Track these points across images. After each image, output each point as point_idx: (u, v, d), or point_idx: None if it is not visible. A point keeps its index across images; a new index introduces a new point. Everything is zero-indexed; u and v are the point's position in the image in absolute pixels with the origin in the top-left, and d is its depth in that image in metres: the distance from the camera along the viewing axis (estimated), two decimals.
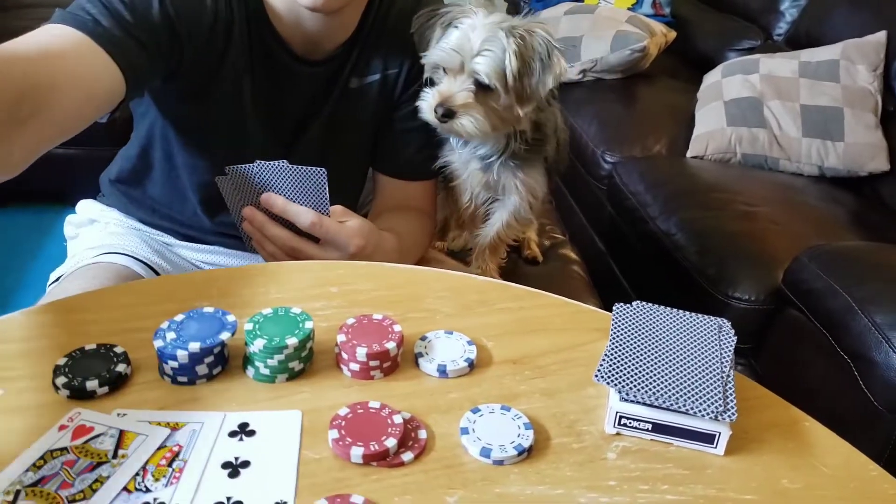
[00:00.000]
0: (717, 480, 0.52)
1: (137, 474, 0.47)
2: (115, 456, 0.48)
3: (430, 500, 0.48)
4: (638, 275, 1.70)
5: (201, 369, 0.56)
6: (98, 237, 0.95)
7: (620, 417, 0.54)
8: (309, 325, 0.58)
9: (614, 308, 0.64)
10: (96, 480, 0.47)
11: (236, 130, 0.87)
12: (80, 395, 0.53)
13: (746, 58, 2.02)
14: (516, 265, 1.19)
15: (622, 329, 0.61)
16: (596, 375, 0.55)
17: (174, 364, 0.55)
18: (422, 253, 0.99)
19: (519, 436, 0.53)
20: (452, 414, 0.55)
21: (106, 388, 0.54)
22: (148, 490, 0.46)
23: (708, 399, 0.53)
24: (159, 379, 0.56)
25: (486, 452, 0.51)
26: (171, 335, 0.56)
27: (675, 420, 0.53)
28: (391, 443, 0.50)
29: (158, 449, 0.49)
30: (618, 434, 0.55)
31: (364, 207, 1.07)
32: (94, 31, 0.69)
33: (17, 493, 0.45)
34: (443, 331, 0.63)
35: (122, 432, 0.50)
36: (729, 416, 0.52)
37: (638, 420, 0.54)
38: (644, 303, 0.64)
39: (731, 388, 0.55)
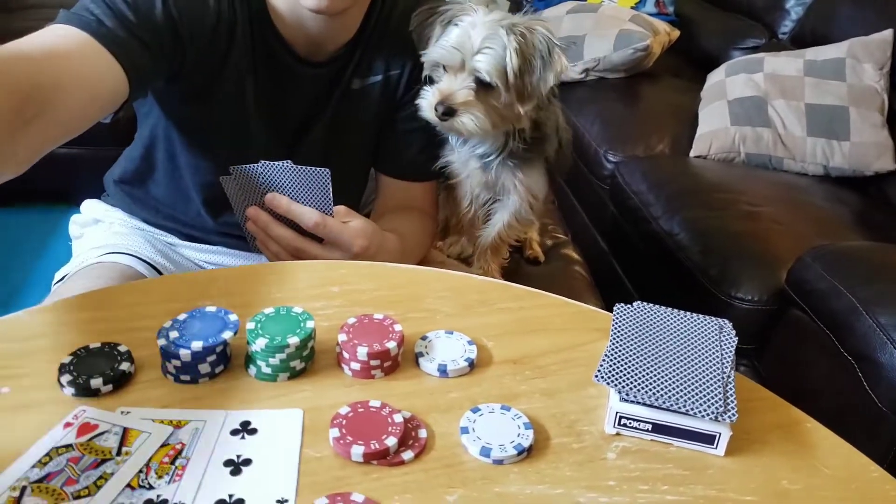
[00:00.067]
0: (718, 481, 0.52)
1: (141, 471, 0.48)
2: (118, 453, 0.49)
3: (429, 498, 0.48)
4: (640, 275, 1.70)
5: (204, 368, 0.56)
6: (102, 237, 0.95)
7: (620, 418, 0.54)
8: (310, 324, 0.58)
9: (615, 308, 0.64)
10: (101, 477, 0.47)
11: (239, 131, 0.87)
12: (84, 392, 0.54)
13: (751, 56, 2.01)
14: (518, 265, 1.19)
15: (623, 329, 0.61)
16: (596, 376, 0.55)
17: (177, 363, 0.55)
18: (424, 253, 0.99)
19: (519, 435, 0.53)
20: (452, 413, 0.55)
21: (110, 387, 0.54)
22: (151, 487, 0.47)
23: (708, 400, 0.53)
24: (162, 377, 0.57)
25: (485, 452, 0.51)
26: (174, 334, 0.56)
27: (676, 420, 0.54)
28: (391, 442, 0.51)
29: (161, 446, 0.50)
30: (618, 434, 0.55)
31: (366, 208, 1.07)
32: (97, 31, 0.69)
33: (24, 489, 0.46)
34: (443, 331, 0.63)
35: (125, 430, 0.51)
36: (729, 416, 0.52)
37: (638, 420, 0.54)
38: (645, 303, 0.64)
39: (731, 389, 0.55)
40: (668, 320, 0.62)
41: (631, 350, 0.58)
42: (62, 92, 0.64)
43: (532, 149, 0.95)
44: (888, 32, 1.83)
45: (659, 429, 0.54)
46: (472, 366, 0.60)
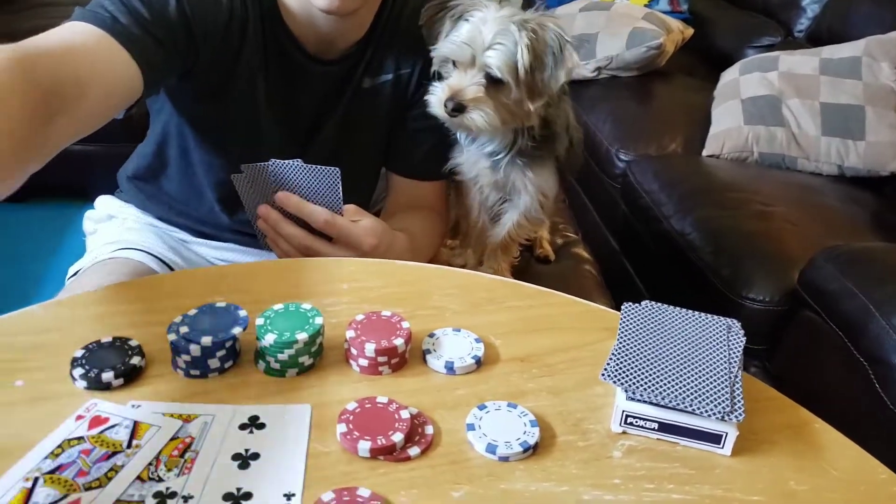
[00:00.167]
0: (724, 481, 0.52)
1: (151, 464, 0.48)
2: (129, 446, 0.50)
3: (435, 494, 0.48)
4: (652, 274, 1.70)
5: (213, 363, 0.57)
6: (116, 233, 0.97)
7: (627, 416, 0.54)
8: (319, 320, 0.59)
9: (623, 307, 0.64)
10: (111, 469, 0.48)
11: (251, 129, 0.88)
12: (96, 386, 0.55)
13: (765, 55, 2.00)
14: (528, 264, 1.19)
15: (630, 328, 0.61)
16: (603, 374, 0.55)
17: (187, 357, 0.56)
18: (434, 252, 0.99)
19: (525, 433, 0.53)
20: (459, 410, 0.55)
21: (121, 380, 0.55)
22: (161, 479, 0.47)
23: (715, 399, 0.53)
24: (172, 372, 0.57)
25: (491, 449, 0.52)
26: (184, 329, 0.57)
27: (682, 420, 0.54)
28: (398, 437, 0.51)
29: (171, 440, 0.50)
30: (624, 433, 0.55)
31: (377, 206, 1.07)
32: (112, 28, 0.70)
33: (36, 479, 0.47)
34: (451, 328, 0.64)
35: (136, 423, 0.52)
36: (736, 416, 0.52)
37: (644, 419, 0.54)
38: (653, 302, 0.64)
39: (738, 389, 0.55)
40: (676, 320, 0.62)
41: (638, 349, 0.58)
42: (82, 88, 0.65)
43: (542, 147, 0.94)
44: None
45: (665, 428, 0.54)
46: (480, 363, 0.61)
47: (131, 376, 0.56)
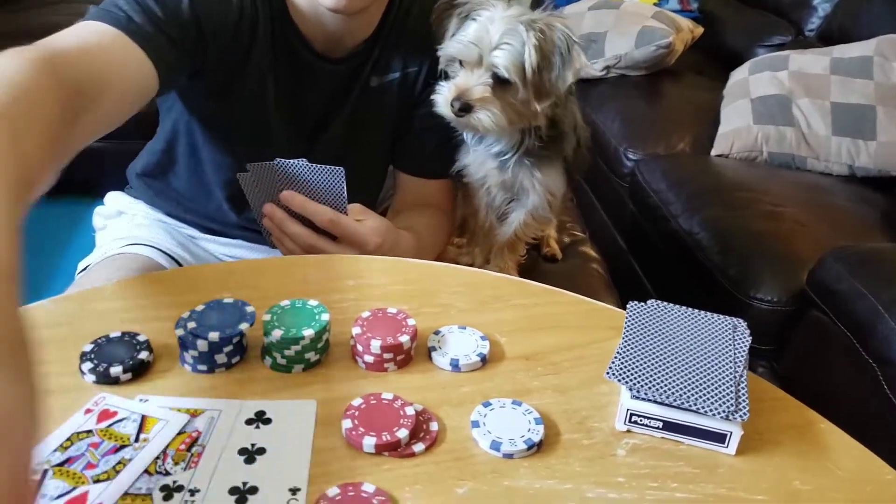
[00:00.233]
0: (728, 480, 0.52)
1: (158, 458, 0.49)
2: (136, 440, 0.50)
3: (439, 490, 0.49)
4: (659, 274, 1.69)
5: (220, 358, 0.57)
6: (125, 229, 0.97)
7: (631, 415, 0.55)
8: (325, 317, 0.59)
9: (628, 306, 0.64)
10: (119, 462, 0.48)
11: (260, 128, 0.88)
12: (104, 380, 0.55)
13: (775, 54, 1.99)
14: (535, 262, 1.19)
15: (635, 327, 0.61)
16: (607, 373, 0.55)
17: (194, 352, 0.57)
18: (439, 250, 0.99)
19: (529, 430, 0.53)
20: (464, 407, 0.55)
21: (129, 375, 0.56)
22: (168, 473, 0.48)
23: (719, 398, 0.53)
24: (180, 367, 0.58)
25: (496, 446, 0.52)
26: (191, 325, 0.58)
27: (687, 419, 0.54)
28: (403, 434, 0.51)
29: (178, 434, 0.51)
30: (628, 431, 0.55)
31: (384, 204, 1.08)
32: (127, 27, 0.71)
33: (45, 471, 0.47)
34: (456, 326, 0.64)
35: (144, 417, 0.52)
36: (740, 415, 0.52)
37: (649, 418, 0.54)
38: (658, 301, 0.64)
39: (743, 388, 0.54)
40: (682, 319, 0.62)
41: (643, 348, 0.58)
42: (102, 87, 0.65)
43: (549, 147, 0.94)
44: None
45: (670, 426, 0.54)
46: (485, 361, 0.61)
47: (139, 371, 0.56)
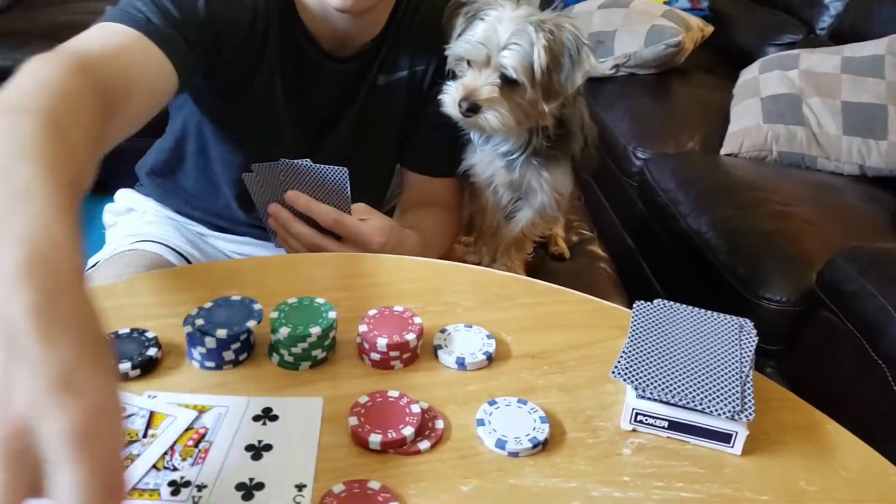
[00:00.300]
0: (733, 480, 0.51)
1: (166, 453, 0.49)
2: (145, 435, 0.51)
3: (444, 488, 0.49)
4: (668, 273, 1.69)
5: (228, 355, 0.58)
6: (135, 225, 0.98)
7: (637, 414, 0.55)
8: (332, 314, 0.60)
9: (634, 306, 0.64)
10: (127, 457, 0.49)
11: (269, 128, 0.88)
12: None
13: (786, 53, 1.97)
14: (543, 261, 1.19)
15: (642, 327, 0.61)
16: (613, 372, 0.55)
17: (202, 349, 0.57)
18: (445, 249, 1.00)
19: (534, 429, 0.53)
20: (469, 406, 0.56)
21: (138, 371, 0.56)
22: (175, 469, 0.48)
23: (725, 398, 0.53)
24: (188, 363, 0.58)
25: (501, 444, 0.52)
26: (199, 321, 0.58)
27: (692, 418, 0.53)
28: (408, 431, 0.51)
29: (186, 430, 0.51)
30: (634, 431, 0.55)
31: (391, 202, 1.08)
32: (147, 28, 0.71)
33: None
34: (462, 324, 0.64)
35: (152, 413, 0.53)
36: (746, 415, 0.52)
37: (654, 417, 0.54)
38: (665, 301, 0.64)
39: (749, 388, 0.54)
40: (688, 318, 0.62)
41: (649, 347, 0.58)
42: (128, 90, 0.66)
43: (557, 146, 0.94)
44: None
45: (675, 426, 0.54)
46: (491, 359, 0.61)
47: (148, 367, 0.57)
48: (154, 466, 0.48)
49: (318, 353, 0.59)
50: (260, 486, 0.47)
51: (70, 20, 2.13)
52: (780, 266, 1.35)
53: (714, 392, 0.53)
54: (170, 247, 0.94)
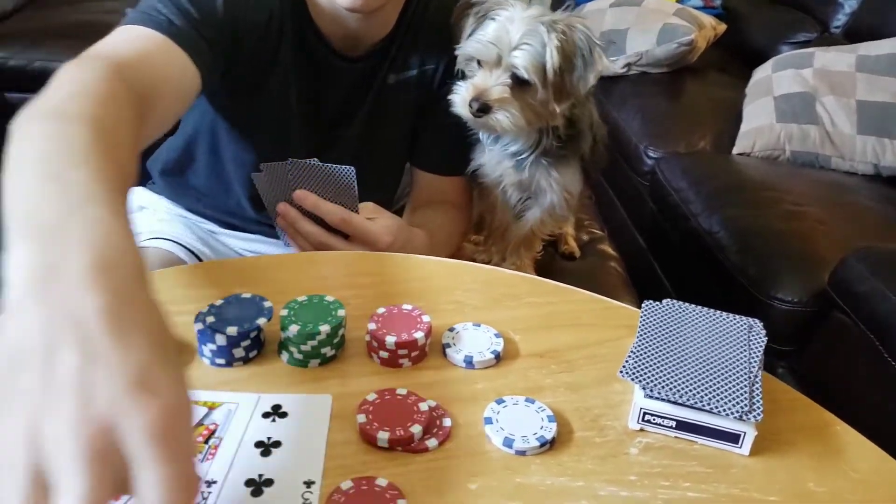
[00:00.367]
0: (741, 480, 0.51)
1: None
2: None
3: (451, 485, 0.49)
4: (679, 273, 1.68)
5: (238, 352, 0.58)
6: (146, 223, 0.99)
7: (644, 414, 0.55)
8: (341, 312, 0.60)
9: (643, 305, 0.64)
10: None
11: (282, 127, 0.89)
12: None
13: (800, 51, 1.96)
14: (553, 260, 1.19)
15: (650, 326, 0.61)
16: (621, 371, 0.55)
17: (213, 346, 0.57)
18: (454, 248, 1.00)
19: (542, 428, 0.53)
20: (477, 404, 0.56)
21: None
22: None
23: (733, 398, 0.53)
24: (199, 360, 0.59)
25: (508, 442, 0.52)
26: (210, 319, 0.58)
27: (700, 418, 0.53)
28: (416, 429, 0.52)
29: (196, 426, 0.52)
30: (641, 430, 0.55)
31: (401, 201, 1.08)
32: (169, 31, 0.72)
33: None
34: (471, 323, 0.64)
35: None
36: (754, 416, 0.52)
37: (662, 417, 0.54)
38: (673, 301, 0.64)
39: (758, 389, 0.54)
40: (697, 318, 0.62)
41: (657, 347, 0.58)
42: (159, 92, 0.67)
43: (567, 146, 0.94)
44: None
45: (683, 426, 0.54)
46: (499, 358, 0.61)
47: None
48: None
49: (328, 351, 0.59)
50: (269, 482, 0.48)
51: (84, 20, 2.15)
52: (791, 266, 1.34)
53: (722, 392, 0.53)
54: (181, 244, 0.95)
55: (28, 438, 0.31)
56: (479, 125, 0.90)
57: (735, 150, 1.78)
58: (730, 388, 0.54)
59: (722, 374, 0.55)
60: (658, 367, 0.56)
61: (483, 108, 0.86)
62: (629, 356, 0.57)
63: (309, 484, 0.48)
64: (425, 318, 0.62)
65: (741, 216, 1.49)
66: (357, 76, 0.90)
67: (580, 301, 0.70)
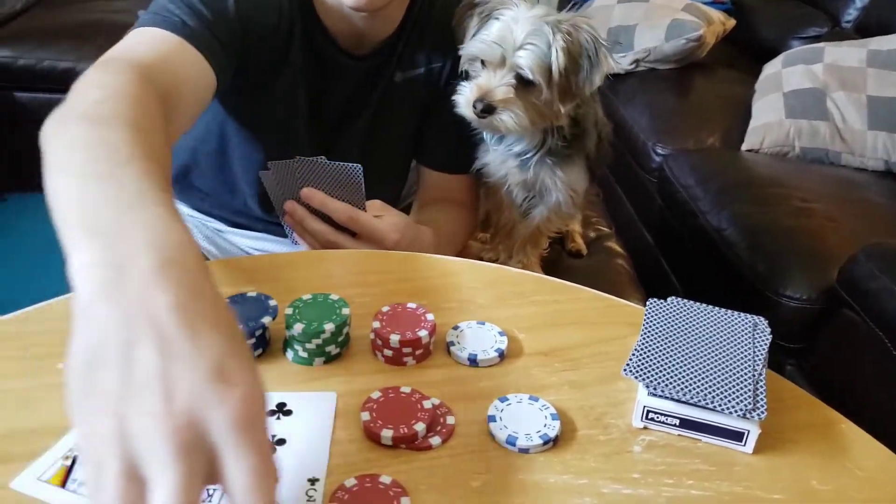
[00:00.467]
0: (745, 478, 0.51)
1: None
2: None
3: (455, 483, 0.49)
4: (687, 270, 1.67)
5: None
6: None
7: (648, 412, 0.55)
8: (346, 311, 0.60)
9: (648, 303, 0.64)
10: None
11: (290, 126, 0.89)
12: None
13: (810, 46, 1.94)
14: (560, 258, 1.19)
15: (654, 324, 0.61)
16: (625, 370, 0.55)
17: None
18: (460, 246, 1.00)
19: (545, 426, 0.53)
20: (481, 402, 0.56)
21: None
22: None
23: (737, 396, 0.53)
24: None
25: (512, 440, 0.52)
26: None
27: (704, 416, 0.53)
28: (420, 427, 0.52)
29: None
30: (645, 428, 0.55)
31: (408, 199, 1.09)
32: (184, 32, 0.72)
33: (75, 458, 0.49)
34: (475, 321, 0.64)
35: None
36: (758, 414, 0.52)
37: (666, 415, 0.54)
38: (678, 299, 0.64)
39: (762, 387, 0.54)
40: (702, 316, 0.62)
41: (661, 345, 0.58)
42: (180, 94, 0.67)
43: (572, 145, 0.93)
44: None
45: (687, 424, 0.54)
46: (503, 356, 0.61)
47: None
48: None
49: (332, 349, 0.60)
50: None
51: (92, 19, 2.16)
52: (800, 263, 1.33)
53: (726, 390, 0.53)
54: None
55: (115, 436, 0.32)
56: (483, 126, 0.89)
57: (744, 147, 1.77)
58: (734, 386, 0.54)
59: (726, 372, 0.55)
60: (662, 366, 0.56)
61: (487, 108, 0.85)
62: (633, 354, 0.57)
63: (313, 481, 0.48)
64: (429, 317, 0.62)
65: (750, 213, 1.49)
66: (363, 74, 0.90)
67: (585, 299, 0.70)
